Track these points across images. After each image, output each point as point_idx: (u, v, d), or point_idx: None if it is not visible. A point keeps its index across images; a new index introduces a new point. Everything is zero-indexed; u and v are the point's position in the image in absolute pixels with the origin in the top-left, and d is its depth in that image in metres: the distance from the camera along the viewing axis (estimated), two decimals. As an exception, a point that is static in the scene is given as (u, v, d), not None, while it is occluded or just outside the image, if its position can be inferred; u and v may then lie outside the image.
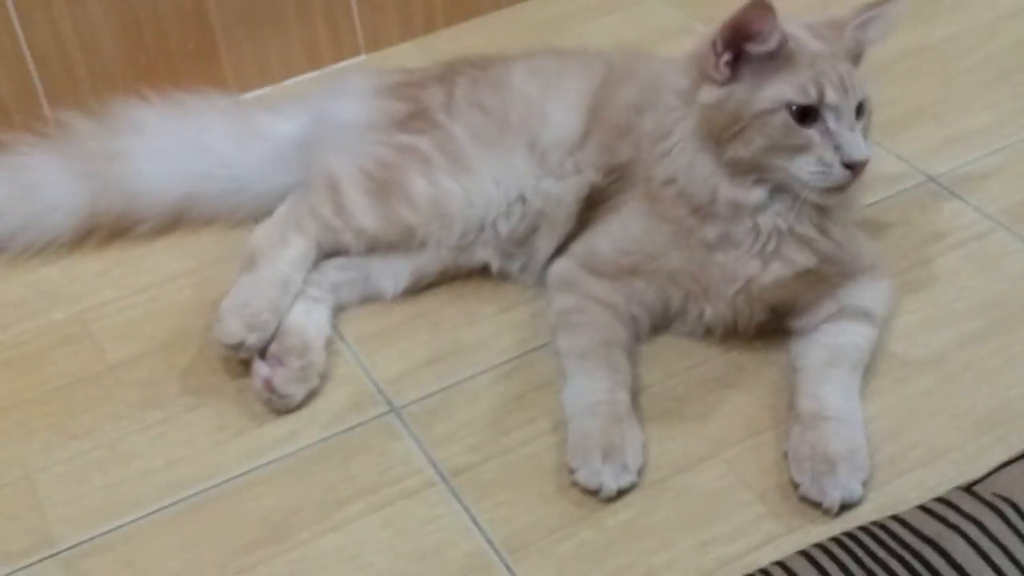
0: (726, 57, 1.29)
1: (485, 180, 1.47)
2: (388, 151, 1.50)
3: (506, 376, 1.44)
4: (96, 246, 1.66)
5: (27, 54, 1.76)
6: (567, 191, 1.48)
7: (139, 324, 1.54)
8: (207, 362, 1.47)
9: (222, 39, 1.90)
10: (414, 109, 1.54)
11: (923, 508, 0.91)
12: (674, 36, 2.03)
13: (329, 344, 1.48)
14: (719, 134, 1.31)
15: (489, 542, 1.26)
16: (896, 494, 1.23)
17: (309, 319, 1.45)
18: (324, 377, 1.44)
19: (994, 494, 0.91)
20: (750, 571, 0.99)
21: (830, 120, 1.27)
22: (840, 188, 1.30)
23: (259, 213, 1.60)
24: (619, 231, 1.42)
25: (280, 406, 1.39)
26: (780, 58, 1.28)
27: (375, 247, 1.50)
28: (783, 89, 1.27)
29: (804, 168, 1.28)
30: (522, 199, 1.49)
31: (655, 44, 2.00)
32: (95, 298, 1.59)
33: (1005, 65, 1.88)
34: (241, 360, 1.44)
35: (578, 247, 1.46)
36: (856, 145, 1.27)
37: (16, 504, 1.33)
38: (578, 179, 1.47)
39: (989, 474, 0.94)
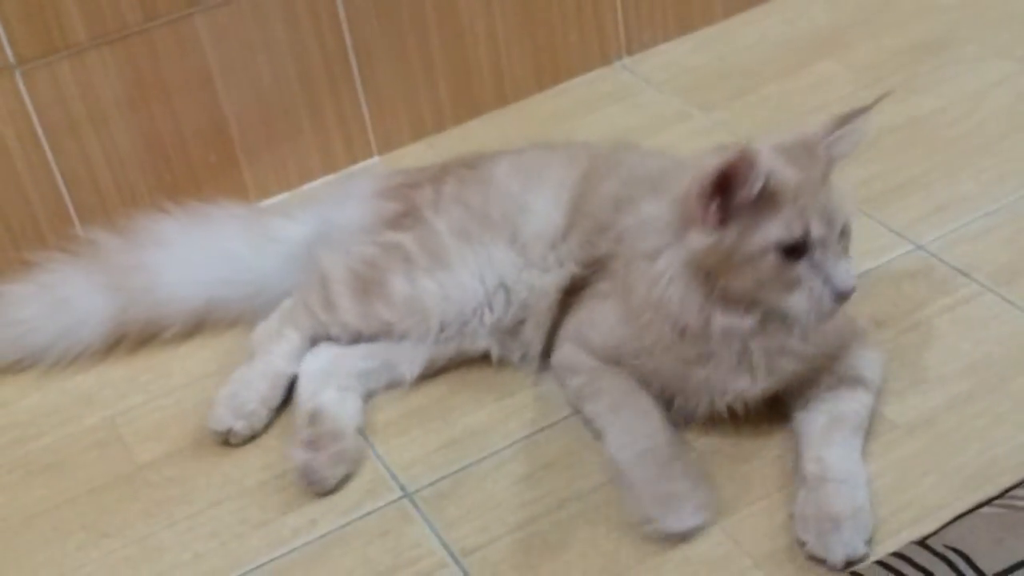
0: (714, 205, 1.29)
1: (462, 274, 1.54)
2: (375, 249, 1.59)
3: (512, 458, 1.50)
4: (125, 353, 1.75)
5: (58, 177, 1.86)
6: (550, 283, 1.54)
7: (166, 425, 1.62)
8: (230, 458, 1.55)
9: (241, 151, 1.99)
10: (405, 208, 1.62)
11: (880, 563, 0.96)
12: (674, 122, 2.11)
13: (361, 431, 1.55)
14: (710, 270, 1.33)
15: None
16: (890, 553, 1.28)
17: (342, 407, 1.53)
18: (359, 462, 1.52)
19: (945, 545, 0.95)
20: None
21: (817, 252, 1.29)
22: (831, 315, 1.32)
23: (278, 313, 1.69)
24: (602, 325, 1.47)
25: (317, 489, 1.47)
26: (764, 198, 1.27)
27: (360, 339, 1.57)
28: (770, 231, 1.28)
29: (796, 304, 1.30)
30: (504, 289, 1.55)
31: (657, 131, 2.09)
32: (124, 403, 1.67)
33: (990, 133, 1.94)
34: (234, 445, 1.55)
35: (570, 331, 1.52)
36: (845, 275, 1.29)
37: (53, 603, 1.41)
38: (560, 272, 1.54)
39: (944, 526, 0.99)
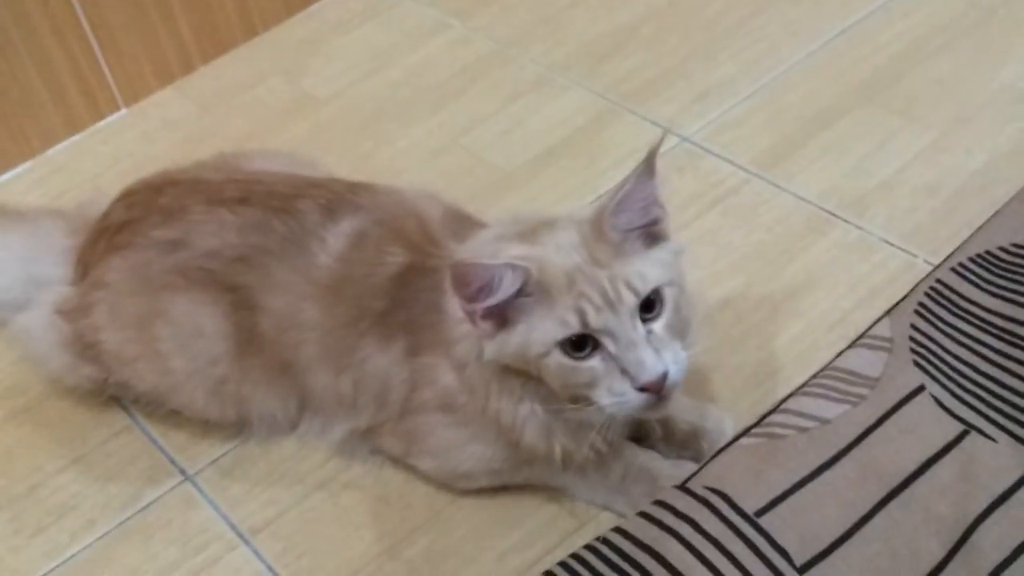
0: (479, 312, 1.15)
1: None
2: None
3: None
4: None
5: None
6: None
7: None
8: (-7, 469, 1.46)
9: (-29, 123, 1.86)
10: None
11: (643, 514, 0.94)
12: (434, 34, 2.04)
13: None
14: (522, 372, 1.19)
15: (295, 595, 1.28)
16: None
17: None
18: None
19: (705, 487, 0.93)
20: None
21: (607, 344, 1.11)
22: (652, 407, 1.13)
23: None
24: (459, 451, 1.32)
25: None
26: (536, 293, 1.13)
27: None
28: (546, 328, 1.12)
29: (601, 399, 1.13)
30: None
31: (416, 46, 2.02)
32: None
33: (742, 12, 1.92)
34: None
35: (415, 452, 1.38)
36: (642, 365, 1.10)
37: None
38: None
39: (703, 466, 0.97)
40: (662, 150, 1.49)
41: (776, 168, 1.63)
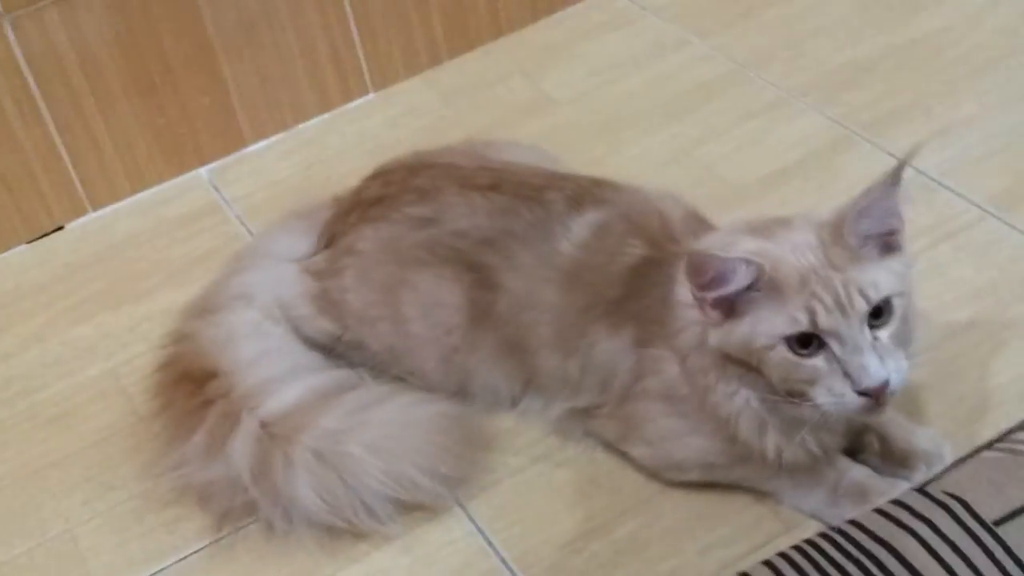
0: (708, 300, 1.19)
1: None
2: None
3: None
4: (126, 302, 1.76)
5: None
6: None
7: (167, 376, 1.62)
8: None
9: (234, 91, 1.97)
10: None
11: (879, 511, 0.95)
12: (672, 50, 2.09)
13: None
14: (742, 363, 1.22)
15: (503, 561, 1.33)
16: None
17: None
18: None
19: (945, 492, 0.95)
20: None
21: (833, 346, 1.14)
22: (868, 411, 1.16)
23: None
24: (677, 440, 1.36)
25: None
26: (767, 289, 1.16)
27: None
28: (774, 322, 1.15)
29: (819, 398, 1.16)
30: None
31: (654, 59, 2.07)
32: (126, 352, 1.67)
33: (992, 53, 1.91)
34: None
35: (633, 438, 1.42)
36: (865, 370, 1.13)
37: (61, 557, 1.42)
38: None
39: (943, 473, 0.99)
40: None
41: (1013, 210, 1.62)
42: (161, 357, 1.53)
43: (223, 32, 1.92)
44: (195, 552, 1.39)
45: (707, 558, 1.29)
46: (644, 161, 1.86)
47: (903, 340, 1.18)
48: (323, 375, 1.49)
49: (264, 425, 1.39)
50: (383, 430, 1.39)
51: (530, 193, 1.43)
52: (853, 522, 0.96)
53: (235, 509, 1.39)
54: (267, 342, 1.50)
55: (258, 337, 1.50)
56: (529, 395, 1.45)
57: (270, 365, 1.46)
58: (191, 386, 1.45)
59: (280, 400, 1.42)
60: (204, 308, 1.55)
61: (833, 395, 1.15)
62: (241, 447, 1.37)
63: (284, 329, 1.52)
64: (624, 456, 1.40)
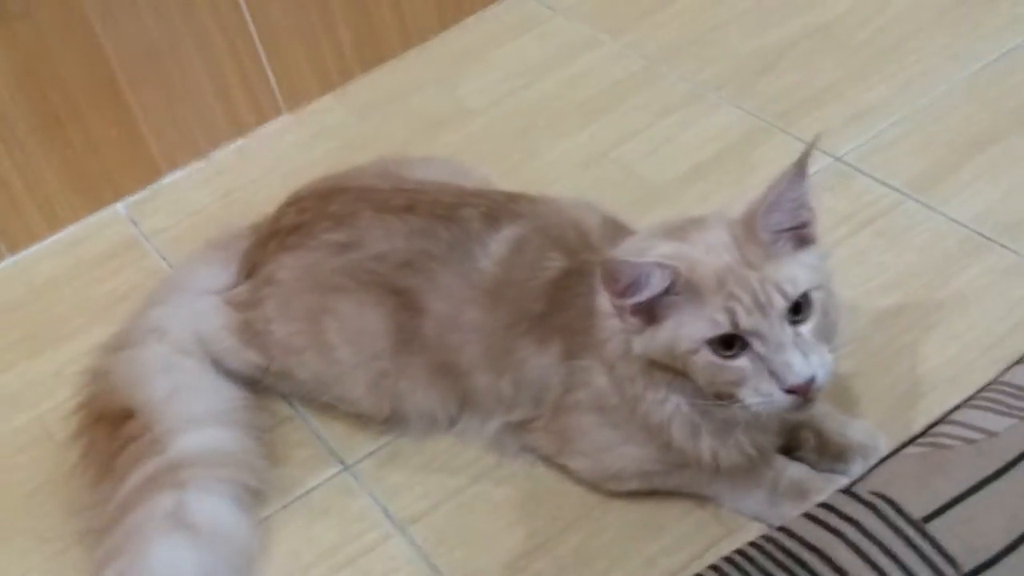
0: (627, 308, 1.18)
1: None
2: None
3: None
4: (48, 346, 1.72)
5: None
6: None
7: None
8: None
9: (143, 121, 1.94)
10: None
11: (807, 515, 0.96)
12: (585, 50, 2.08)
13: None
14: (668, 368, 1.22)
15: (449, 586, 1.32)
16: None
17: None
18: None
19: (872, 492, 0.95)
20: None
21: (756, 345, 1.13)
22: (797, 408, 1.16)
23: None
24: (611, 451, 1.36)
25: None
26: (685, 292, 1.15)
27: None
28: (695, 326, 1.15)
29: (747, 398, 1.15)
30: None
31: (567, 61, 2.06)
32: (53, 399, 1.63)
33: (899, 33, 1.93)
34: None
35: (567, 451, 1.41)
36: (790, 368, 1.12)
37: (-2, 616, 1.39)
38: None
39: (869, 472, 0.99)
40: (813, 169, 1.50)
41: (930, 190, 1.64)
42: (80, 396, 1.50)
43: (126, 62, 1.88)
44: (135, 602, 1.37)
45: (652, 568, 1.29)
46: (562, 165, 1.86)
47: (826, 334, 1.18)
48: (232, 420, 1.46)
49: (154, 476, 1.36)
50: None
51: (445, 212, 1.42)
52: (783, 529, 0.97)
53: None
54: (179, 378, 1.47)
55: (170, 372, 1.47)
56: (465, 415, 1.44)
57: (182, 404, 1.44)
58: (109, 427, 1.43)
59: (181, 446, 1.39)
60: (118, 344, 1.53)
61: (761, 395, 1.15)
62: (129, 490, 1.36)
63: (197, 363, 1.50)
64: (563, 469, 1.39)
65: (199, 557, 1.31)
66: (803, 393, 1.13)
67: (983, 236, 1.56)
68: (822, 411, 1.33)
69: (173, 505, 1.34)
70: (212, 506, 1.35)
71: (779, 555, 0.94)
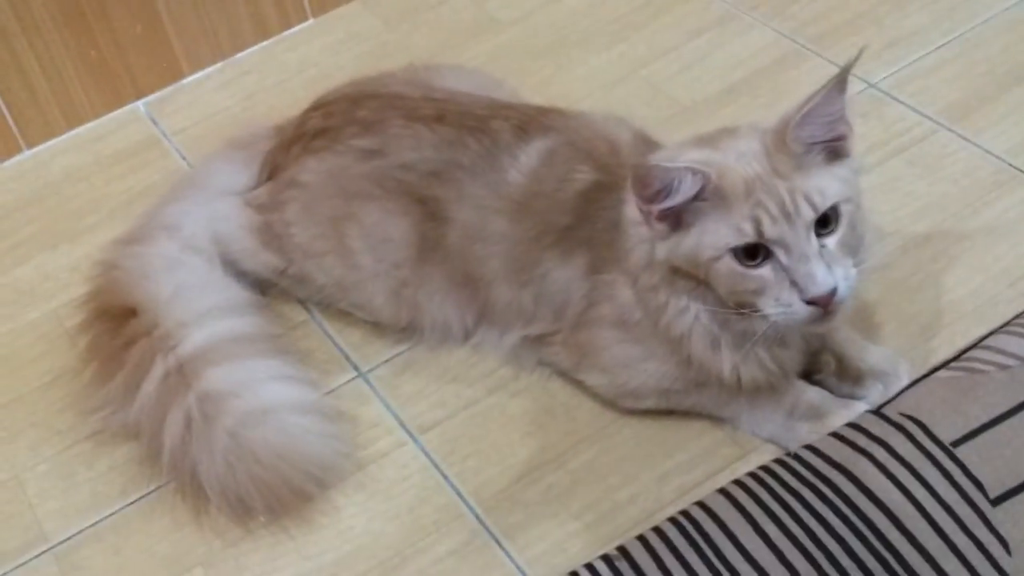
0: (655, 213, 1.17)
1: None
2: None
3: (465, 330, 1.47)
4: (66, 241, 1.71)
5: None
6: None
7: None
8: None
9: (168, 20, 1.91)
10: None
11: (835, 435, 0.94)
12: None
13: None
14: (691, 276, 1.20)
15: (459, 494, 1.31)
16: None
17: None
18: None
19: (900, 414, 0.94)
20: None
21: (780, 255, 1.12)
22: (817, 320, 1.14)
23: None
24: (630, 367, 1.34)
25: None
26: (712, 198, 1.14)
27: None
28: (720, 233, 1.14)
29: (767, 308, 1.14)
30: None
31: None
32: (67, 294, 1.62)
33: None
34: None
35: (586, 365, 1.40)
36: (812, 279, 1.11)
37: (8, 504, 1.39)
38: None
39: (899, 394, 0.97)
40: (847, 94, 1.48)
41: (965, 121, 1.61)
42: (89, 288, 1.50)
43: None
44: (144, 496, 1.37)
45: (665, 485, 1.28)
46: (592, 82, 1.83)
47: (852, 248, 1.16)
48: (239, 315, 1.45)
49: (169, 373, 1.35)
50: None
51: (476, 123, 1.40)
52: (809, 447, 0.95)
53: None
54: (186, 276, 1.46)
55: (177, 270, 1.46)
56: (482, 327, 1.43)
57: (187, 303, 1.42)
58: (112, 323, 1.42)
59: (191, 343, 1.38)
60: (130, 238, 1.52)
61: (781, 305, 1.13)
62: (150, 393, 1.35)
63: (205, 261, 1.48)
64: (579, 385, 1.38)
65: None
66: (824, 305, 1.12)
67: (1016, 168, 1.53)
68: (844, 336, 1.31)
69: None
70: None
71: (805, 472, 0.93)
